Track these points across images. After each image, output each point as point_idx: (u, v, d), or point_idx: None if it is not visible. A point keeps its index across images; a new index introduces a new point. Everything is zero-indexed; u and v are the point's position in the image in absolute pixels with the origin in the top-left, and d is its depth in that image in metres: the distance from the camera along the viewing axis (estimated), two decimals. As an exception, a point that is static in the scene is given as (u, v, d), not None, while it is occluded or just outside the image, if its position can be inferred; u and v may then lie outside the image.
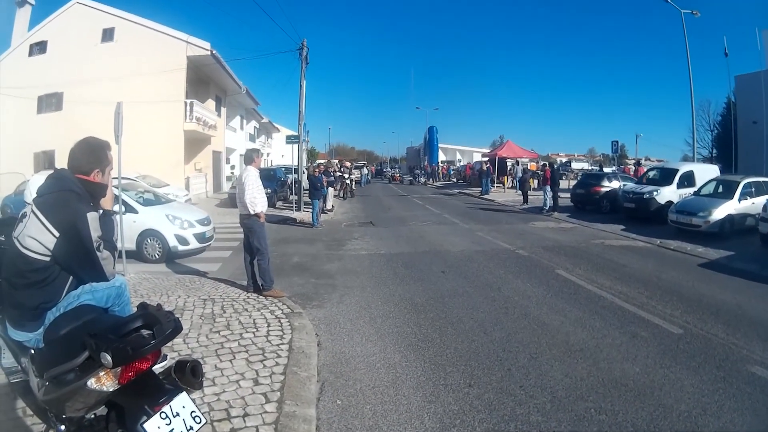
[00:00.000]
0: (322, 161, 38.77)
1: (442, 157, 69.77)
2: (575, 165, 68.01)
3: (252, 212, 8.18)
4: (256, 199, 8.18)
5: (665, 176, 20.11)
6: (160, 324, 2.51)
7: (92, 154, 3.30)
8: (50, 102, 26.22)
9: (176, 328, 2.58)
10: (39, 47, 26.63)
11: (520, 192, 29.91)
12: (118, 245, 4.59)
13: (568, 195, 25.15)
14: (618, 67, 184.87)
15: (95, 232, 3.04)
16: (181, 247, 11.66)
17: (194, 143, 28.61)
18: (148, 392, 2.50)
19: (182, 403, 2.50)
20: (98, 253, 3.09)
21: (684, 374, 5.44)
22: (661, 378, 5.35)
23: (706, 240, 14.37)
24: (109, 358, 2.31)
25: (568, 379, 5.30)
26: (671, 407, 4.67)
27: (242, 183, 8.30)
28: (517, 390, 5.03)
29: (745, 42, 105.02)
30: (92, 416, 2.68)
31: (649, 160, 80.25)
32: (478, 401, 4.79)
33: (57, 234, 2.93)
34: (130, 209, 11.49)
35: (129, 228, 10.90)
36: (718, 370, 5.56)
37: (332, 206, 22.96)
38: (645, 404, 4.73)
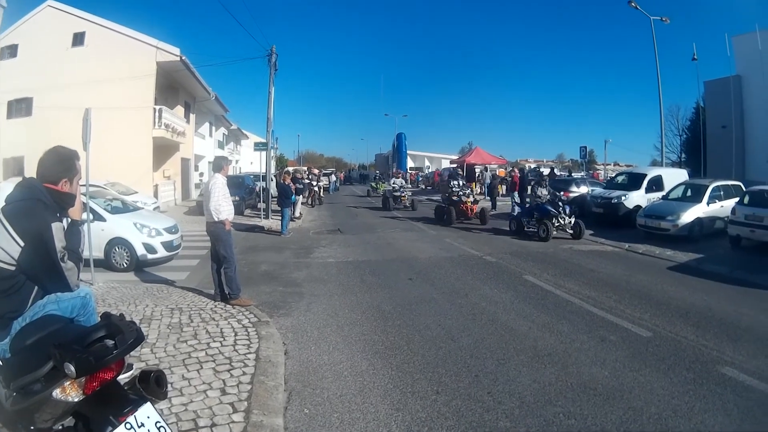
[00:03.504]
0: (290, 168, 38.25)
1: (410, 163, 70.00)
2: (545, 170, 68.75)
3: (217, 219, 8.19)
4: (221, 207, 8.17)
5: (633, 181, 20.48)
6: (123, 334, 2.52)
7: (60, 163, 3.32)
8: (20, 107, 25.73)
9: (138, 338, 2.59)
10: (10, 51, 26.02)
11: (488, 198, 30.02)
12: (86, 253, 4.60)
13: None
14: (587, 72, 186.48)
15: (60, 242, 3.06)
16: (149, 256, 11.54)
17: (163, 150, 28.26)
18: (113, 402, 2.51)
19: (147, 413, 2.51)
20: (63, 264, 3.10)
21: (654, 377, 5.54)
22: (630, 381, 5.43)
23: (675, 243, 14.69)
24: (72, 368, 2.32)
25: (536, 384, 5.36)
26: (641, 410, 4.75)
27: (209, 190, 8.30)
28: (485, 396, 5.07)
29: (714, 49, 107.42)
30: (60, 427, 2.68)
31: (618, 165, 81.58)
32: (446, 408, 4.82)
33: (22, 243, 2.95)
34: (98, 217, 11.34)
35: (97, 236, 10.77)
36: (688, 372, 5.67)
37: (300, 214, 22.85)
38: (614, 408, 4.79)
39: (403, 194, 28.92)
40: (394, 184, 30.15)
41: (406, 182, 38.87)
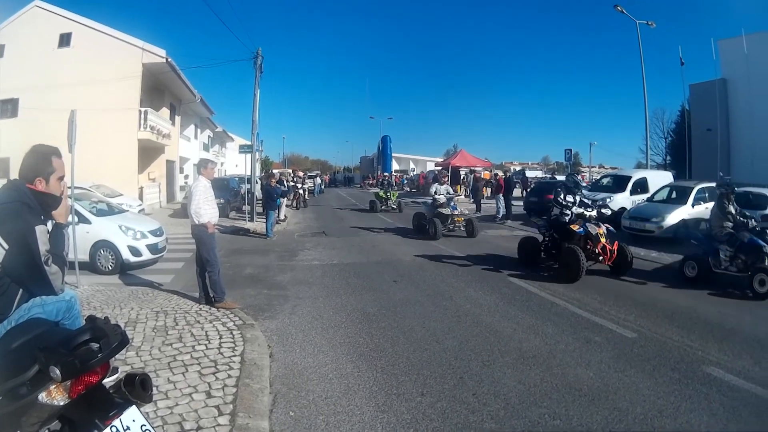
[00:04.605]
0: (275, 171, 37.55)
1: (395, 166, 69.99)
2: (529, 173, 68.90)
3: (197, 222, 8.17)
4: (201, 209, 8.14)
5: (618, 183, 20.68)
6: (107, 337, 2.52)
7: (36, 161, 3.32)
8: (6, 108, 25.45)
9: (123, 341, 2.60)
10: (-3, 51, 25.86)
11: (473, 200, 30.16)
12: (71, 256, 4.58)
13: (522, 203, 25.48)
14: (573, 75, 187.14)
15: (44, 245, 3.06)
16: (134, 259, 11.49)
17: (148, 152, 28.11)
18: (99, 406, 2.50)
19: (132, 416, 2.51)
20: (47, 267, 3.09)
21: (639, 377, 5.58)
22: (615, 382, 5.46)
23: (660, 245, 14.83)
24: (58, 371, 2.32)
25: (521, 385, 5.38)
26: (626, 410, 4.78)
27: (191, 193, 8.28)
28: (470, 398, 5.09)
29: (700, 52, 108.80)
30: (46, 431, 2.68)
31: (603, 167, 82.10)
32: (431, 410, 4.83)
33: (6, 246, 2.95)
34: (83, 220, 11.30)
35: (82, 239, 10.72)
36: (673, 372, 5.72)
37: (285, 216, 22.80)
38: (600, 408, 4.82)
39: (456, 212, 17.54)
40: (438, 194, 17.62)
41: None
